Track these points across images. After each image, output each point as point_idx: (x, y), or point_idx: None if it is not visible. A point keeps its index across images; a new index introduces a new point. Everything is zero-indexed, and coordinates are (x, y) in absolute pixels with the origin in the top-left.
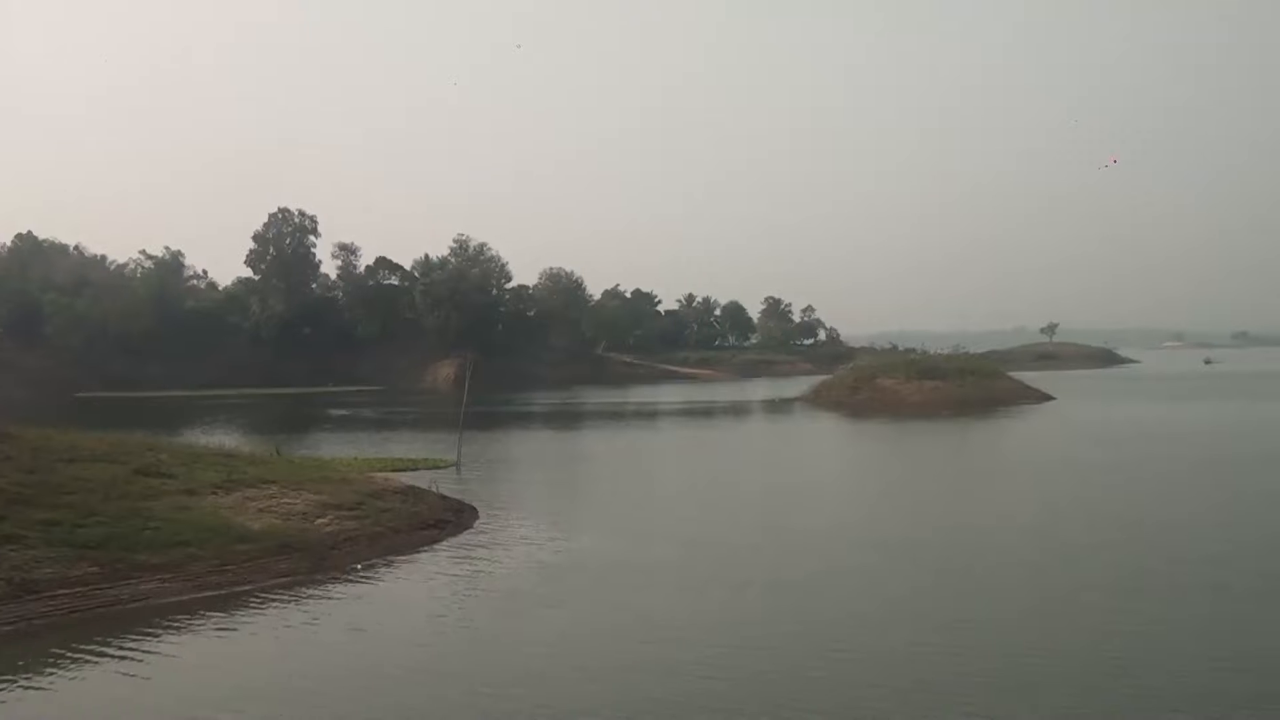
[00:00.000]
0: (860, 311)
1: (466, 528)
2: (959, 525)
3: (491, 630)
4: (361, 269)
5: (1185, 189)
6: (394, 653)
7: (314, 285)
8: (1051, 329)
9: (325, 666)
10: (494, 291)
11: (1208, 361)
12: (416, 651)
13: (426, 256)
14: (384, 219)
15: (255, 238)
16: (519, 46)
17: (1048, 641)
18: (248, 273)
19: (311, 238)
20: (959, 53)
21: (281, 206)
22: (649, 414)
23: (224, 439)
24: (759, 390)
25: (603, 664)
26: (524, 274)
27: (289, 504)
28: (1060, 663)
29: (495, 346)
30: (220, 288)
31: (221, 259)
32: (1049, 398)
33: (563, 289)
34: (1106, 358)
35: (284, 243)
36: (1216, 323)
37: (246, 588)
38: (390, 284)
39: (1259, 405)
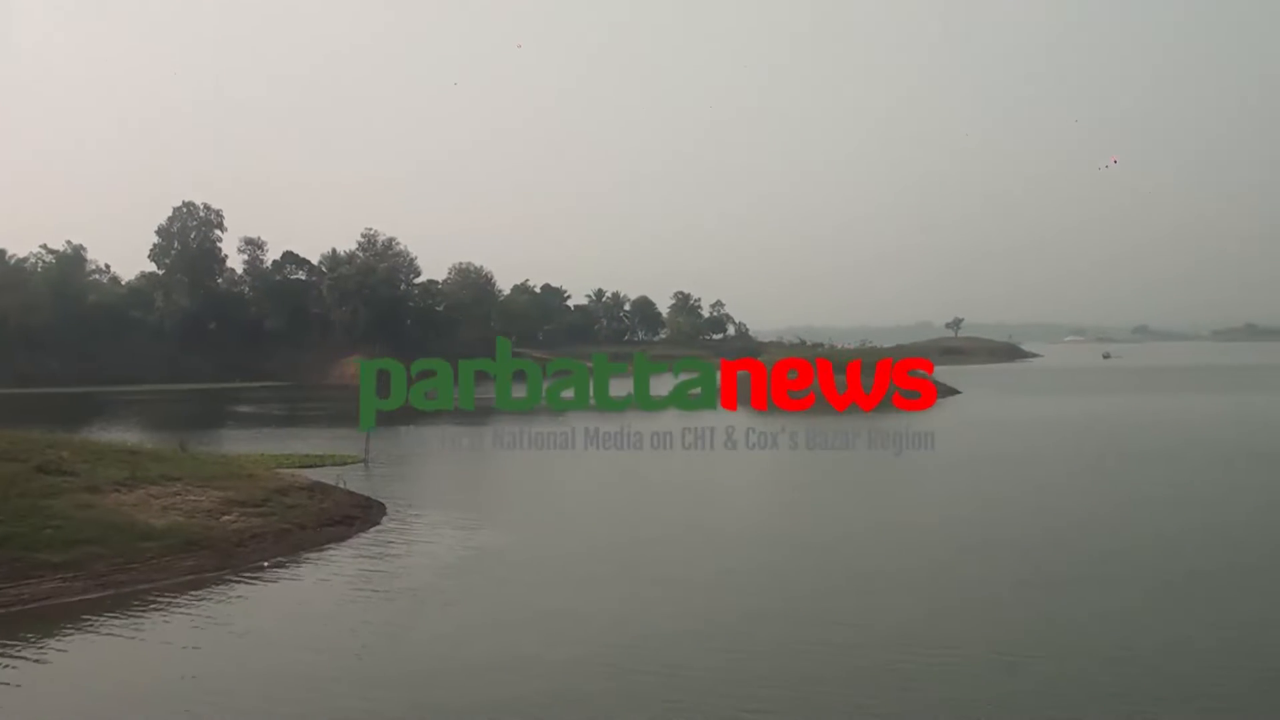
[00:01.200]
0: (769, 306)
1: (374, 524)
2: (867, 523)
3: (390, 630)
4: (268, 263)
5: (1091, 191)
6: (290, 654)
7: (220, 279)
8: (957, 324)
9: (218, 668)
10: (402, 286)
11: (1106, 356)
12: (313, 653)
13: (334, 251)
14: (291, 213)
15: (159, 231)
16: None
17: (946, 637)
18: (152, 268)
19: (217, 232)
20: (887, 52)
21: (186, 200)
22: (558, 409)
23: (127, 435)
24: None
25: (493, 661)
26: (433, 268)
27: (194, 501)
28: (953, 658)
29: (404, 341)
30: (124, 282)
31: (125, 254)
32: (955, 391)
33: (472, 283)
34: (1010, 352)
35: (189, 237)
36: (1117, 317)
37: (149, 586)
38: (297, 278)
39: (1150, 399)
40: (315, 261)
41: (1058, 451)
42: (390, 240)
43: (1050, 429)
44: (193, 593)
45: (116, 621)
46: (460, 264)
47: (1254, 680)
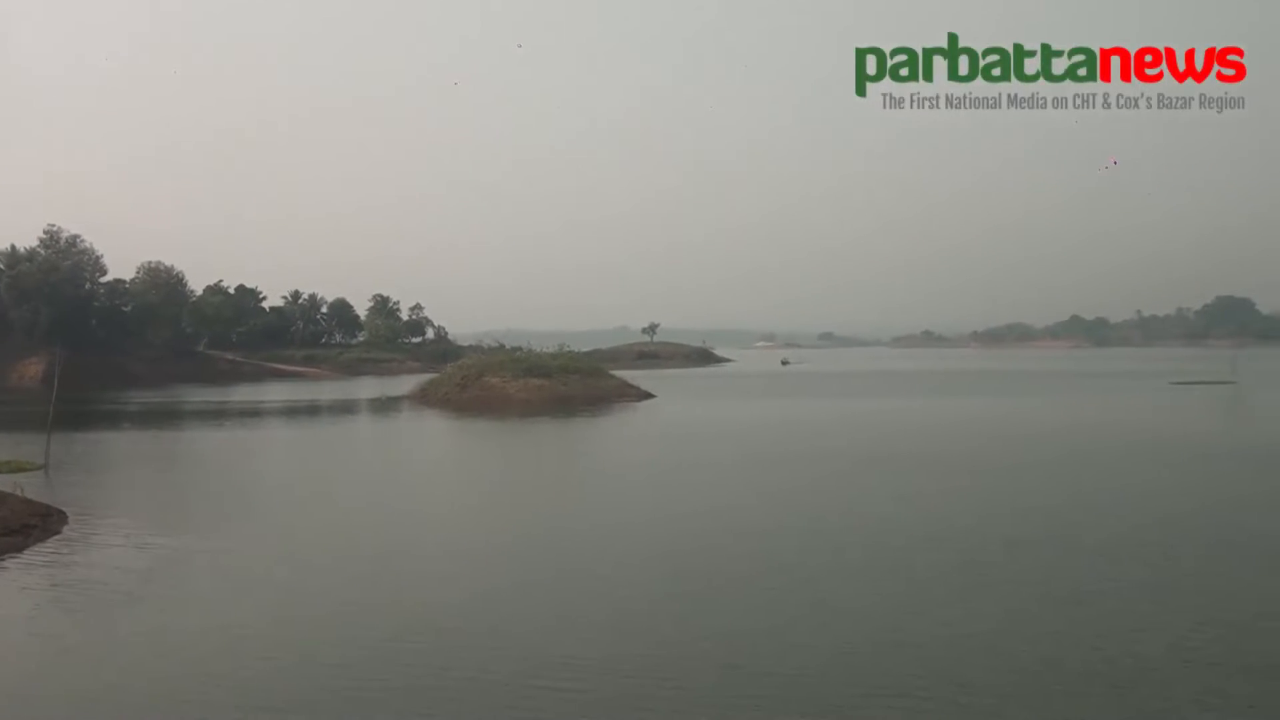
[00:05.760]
0: (469, 310)
1: (54, 533)
2: (558, 527)
3: (58, 643)
4: None
5: (787, 203)
6: None
7: None
8: (653, 329)
9: None
10: (88, 285)
11: (785, 363)
12: None
13: (13, 248)
14: None
15: None
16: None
17: (623, 639)
18: None
19: None
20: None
21: None
22: (253, 413)
23: None
24: (366, 388)
25: (127, 667)
26: (122, 268)
27: None
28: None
29: (89, 343)
30: None
31: None
32: (649, 395)
33: (162, 283)
34: (703, 357)
35: None
36: (804, 324)
37: None
38: None
39: (805, 402)
40: None
41: (730, 456)
42: (74, 237)
43: (726, 435)
44: None
45: None
46: (149, 263)
47: (872, 679)
